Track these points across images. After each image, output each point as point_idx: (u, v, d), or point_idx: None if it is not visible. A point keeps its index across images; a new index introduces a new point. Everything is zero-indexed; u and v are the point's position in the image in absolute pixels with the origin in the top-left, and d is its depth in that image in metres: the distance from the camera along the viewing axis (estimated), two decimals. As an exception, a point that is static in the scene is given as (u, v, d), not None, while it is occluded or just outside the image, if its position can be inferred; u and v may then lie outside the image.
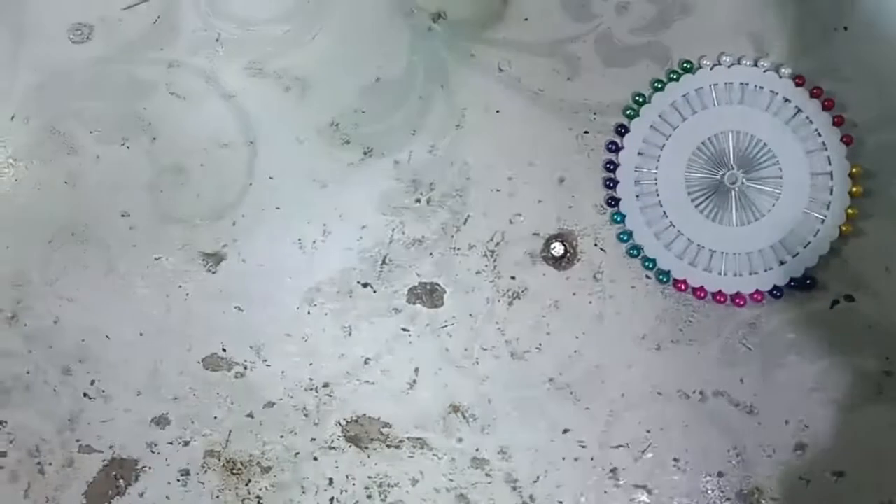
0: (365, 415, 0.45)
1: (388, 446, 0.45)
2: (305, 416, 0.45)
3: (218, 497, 0.45)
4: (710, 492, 0.44)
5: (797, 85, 0.45)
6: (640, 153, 0.45)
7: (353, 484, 0.45)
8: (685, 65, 0.45)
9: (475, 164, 0.45)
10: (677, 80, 0.45)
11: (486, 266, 0.45)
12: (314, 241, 0.45)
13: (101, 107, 0.47)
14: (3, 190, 0.47)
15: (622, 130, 0.45)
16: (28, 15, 0.48)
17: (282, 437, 0.45)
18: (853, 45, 0.45)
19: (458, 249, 0.45)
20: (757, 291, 0.44)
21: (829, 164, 0.44)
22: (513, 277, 0.45)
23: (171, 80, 0.46)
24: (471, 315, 0.45)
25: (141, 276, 0.46)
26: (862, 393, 0.44)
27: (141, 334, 0.46)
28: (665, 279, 0.44)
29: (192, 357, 0.46)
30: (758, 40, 0.45)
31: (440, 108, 0.46)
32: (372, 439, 0.45)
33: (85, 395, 0.46)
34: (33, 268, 0.46)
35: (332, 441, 0.45)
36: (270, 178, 0.46)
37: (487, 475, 0.45)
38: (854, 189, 0.44)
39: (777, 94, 0.45)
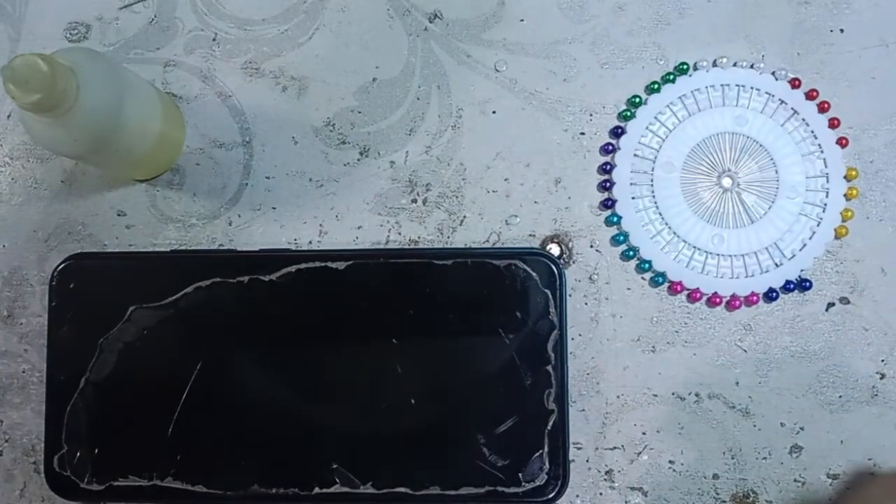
0: (360, 415, 0.45)
1: (383, 447, 0.45)
2: (300, 416, 0.45)
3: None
4: (705, 494, 0.43)
5: (793, 87, 0.45)
6: (636, 155, 0.45)
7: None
8: (681, 66, 0.45)
9: (471, 164, 0.45)
10: (673, 81, 0.45)
11: (482, 267, 0.45)
12: (310, 242, 0.45)
13: (97, 106, 0.47)
14: (-1, 189, 0.47)
15: (618, 132, 0.45)
16: (24, 13, 0.48)
17: (277, 437, 0.45)
18: (849, 48, 0.45)
19: (454, 250, 0.45)
20: (752, 294, 0.44)
21: (825, 165, 0.44)
22: (508, 278, 0.45)
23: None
24: (466, 316, 0.45)
25: (137, 275, 0.46)
26: (857, 395, 0.44)
27: (136, 334, 0.46)
28: (660, 281, 0.44)
29: (187, 357, 0.46)
30: (754, 42, 0.45)
31: (436, 108, 0.46)
32: (367, 440, 0.45)
33: (80, 394, 0.46)
34: (29, 267, 0.46)
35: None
36: (267, 177, 0.46)
37: (482, 476, 0.44)
38: (849, 191, 0.44)
39: (773, 95, 0.45)
